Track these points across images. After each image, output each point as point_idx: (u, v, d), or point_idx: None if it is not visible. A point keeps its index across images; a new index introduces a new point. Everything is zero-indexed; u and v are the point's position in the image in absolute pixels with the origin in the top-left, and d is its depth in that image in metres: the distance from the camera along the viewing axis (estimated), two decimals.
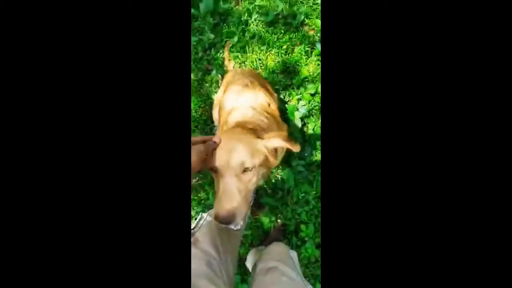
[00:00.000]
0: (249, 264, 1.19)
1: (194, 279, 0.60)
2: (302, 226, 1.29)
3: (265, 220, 1.31)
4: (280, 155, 1.03)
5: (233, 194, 0.68)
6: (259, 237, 1.33)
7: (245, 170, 0.71)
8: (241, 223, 0.71)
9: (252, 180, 0.73)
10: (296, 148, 0.76)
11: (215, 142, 0.71)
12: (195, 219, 0.83)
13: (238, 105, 1.00)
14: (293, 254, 0.94)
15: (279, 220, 1.34)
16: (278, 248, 0.91)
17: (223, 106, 1.06)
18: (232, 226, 0.70)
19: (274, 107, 1.10)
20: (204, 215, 0.81)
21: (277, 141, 0.76)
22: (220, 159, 0.70)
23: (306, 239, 1.28)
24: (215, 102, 1.27)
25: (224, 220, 0.66)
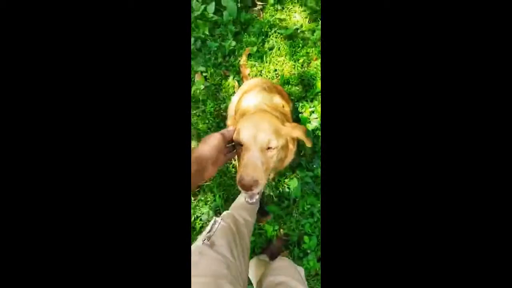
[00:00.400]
0: (251, 274, 1.18)
1: (218, 281, 0.62)
2: (305, 238, 1.29)
3: (269, 228, 1.31)
4: (287, 161, 1.05)
5: (257, 165, 0.72)
6: (261, 245, 1.33)
7: (269, 148, 0.76)
8: (257, 196, 0.78)
9: (273, 158, 0.78)
10: (309, 143, 0.84)
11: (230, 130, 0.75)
12: (208, 221, 0.85)
13: (255, 102, 1.04)
14: (300, 270, 0.94)
15: (282, 230, 1.35)
16: (285, 263, 0.90)
17: (239, 107, 1.09)
18: (248, 198, 0.78)
19: (287, 109, 1.13)
20: (218, 219, 0.84)
21: (298, 132, 0.81)
22: (247, 133, 0.75)
23: (309, 251, 1.28)
24: (230, 109, 1.30)
25: (247, 184, 0.70)
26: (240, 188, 0.72)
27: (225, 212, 0.96)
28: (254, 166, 0.72)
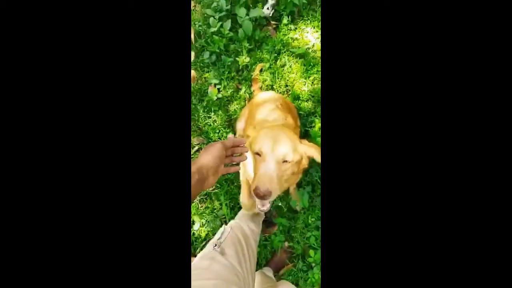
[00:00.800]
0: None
1: (229, 285, 0.64)
2: (311, 251, 1.29)
3: (275, 239, 1.31)
4: (298, 177, 1.09)
5: (273, 176, 0.76)
6: (266, 256, 1.33)
7: (285, 161, 0.80)
8: (268, 205, 0.83)
9: (288, 171, 0.81)
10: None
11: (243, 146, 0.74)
12: (218, 230, 0.89)
13: (272, 118, 1.07)
14: None
15: (286, 243, 1.34)
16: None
17: (253, 119, 1.14)
18: (260, 205, 0.83)
19: (297, 131, 1.18)
20: (228, 228, 0.87)
21: (313, 151, 0.85)
22: (266, 144, 0.79)
23: (313, 265, 1.27)
24: (242, 114, 1.36)
25: (262, 194, 0.74)
26: (254, 197, 0.76)
27: (232, 222, 0.98)
28: (270, 177, 0.76)
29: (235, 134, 1.49)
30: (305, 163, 0.89)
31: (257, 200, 0.86)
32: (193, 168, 0.58)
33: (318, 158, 0.85)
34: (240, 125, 1.36)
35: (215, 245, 0.77)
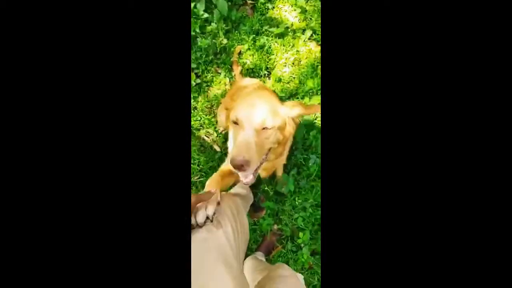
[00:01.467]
0: (247, 274, 1.17)
1: (226, 258, 0.62)
2: (300, 233, 1.31)
3: (264, 223, 1.32)
4: (287, 147, 1.06)
5: (250, 145, 0.71)
6: (256, 240, 1.34)
7: (264, 128, 0.74)
8: (251, 177, 0.76)
9: (269, 138, 0.76)
10: (316, 110, 0.83)
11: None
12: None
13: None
14: (300, 276, 0.95)
15: (275, 225, 1.36)
16: (284, 272, 0.90)
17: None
18: (242, 177, 0.75)
19: None
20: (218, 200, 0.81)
21: (298, 109, 0.80)
22: (242, 112, 0.74)
23: (302, 245, 1.30)
24: (221, 107, 1.30)
25: (239, 164, 0.69)
26: (232, 168, 0.72)
27: (224, 193, 0.94)
28: (247, 146, 0.71)
29: (216, 128, 1.44)
30: (289, 128, 0.83)
31: (239, 173, 0.79)
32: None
33: (305, 112, 0.80)
34: (222, 117, 1.30)
35: (208, 219, 0.72)
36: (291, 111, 0.81)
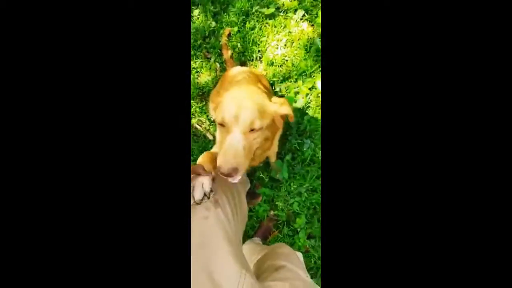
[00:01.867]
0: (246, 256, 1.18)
1: (226, 234, 0.62)
2: (297, 219, 1.32)
3: (260, 209, 1.33)
4: (274, 146, 1.04)
5: (238, 150, 0.68)
6: (253, 226, 1.35)
7: (252, 130, 0.71)
8: (239, 177, 0.72)
9: (257, 139, 0.73)
10: (291, 118, 0.81)
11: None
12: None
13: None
14: (299, 255, 0.96)
15: (271, 211, 1.37)
16: (285, 250, 0.90)
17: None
18: (230, 179, 0.72)
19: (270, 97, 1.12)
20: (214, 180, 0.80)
21: (286, 108, 0.78)
22: (229, 113, 0.69)
23: (299, 229, 1.31)
24: (212, 101, 1.26)
25: (226, 173, 0.67)
26: (220, 175, 0.69)
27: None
28: (235, 153, 0.67)
29: (209, 116, 1.41)
30: (278, 124, 0.80)
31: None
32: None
33: (291, 112, 0.78)
34: (212, 112, 1.26)
35: (206, 197, 0.70)
36: (280, 109, 0.77)
